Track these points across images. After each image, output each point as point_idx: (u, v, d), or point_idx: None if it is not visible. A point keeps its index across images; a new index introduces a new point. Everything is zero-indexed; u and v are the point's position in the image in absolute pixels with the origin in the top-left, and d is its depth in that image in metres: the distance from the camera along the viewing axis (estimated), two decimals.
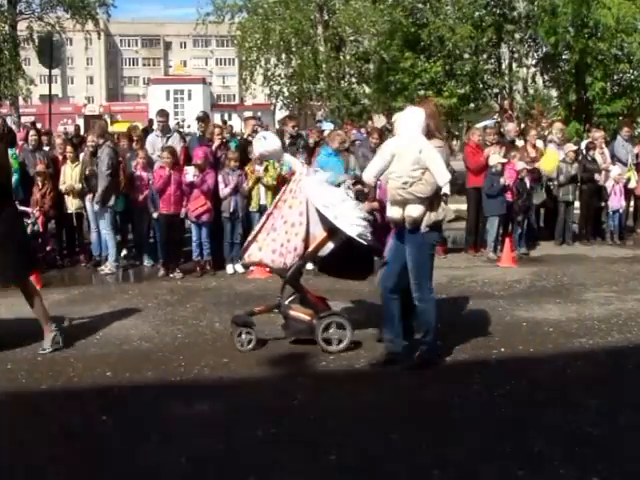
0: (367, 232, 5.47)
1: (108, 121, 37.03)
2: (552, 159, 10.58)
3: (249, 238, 5.96)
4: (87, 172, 9.11)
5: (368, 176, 5.34)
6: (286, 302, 5.81)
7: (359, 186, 5.81)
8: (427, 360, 5.29)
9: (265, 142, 6.02)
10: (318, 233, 5.60)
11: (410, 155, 4.98)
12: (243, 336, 5.70)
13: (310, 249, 5.63)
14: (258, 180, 8.98)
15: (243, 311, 6.09)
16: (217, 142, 9.74)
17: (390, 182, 5.14)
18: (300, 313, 5.74)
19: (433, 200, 5.09)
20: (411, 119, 5.14)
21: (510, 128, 11.41)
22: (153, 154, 9.49)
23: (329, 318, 5.64)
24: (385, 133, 10.79)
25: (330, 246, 5.65)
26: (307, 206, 5.58)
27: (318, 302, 5.86)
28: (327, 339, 5.59)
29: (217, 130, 10.07)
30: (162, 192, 8.75)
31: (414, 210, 5.02)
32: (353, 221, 5.44)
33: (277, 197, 6.02)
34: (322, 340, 5.58)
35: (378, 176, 5.31)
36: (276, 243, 5.63)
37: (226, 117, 46.08)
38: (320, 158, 8.92)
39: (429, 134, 5.17)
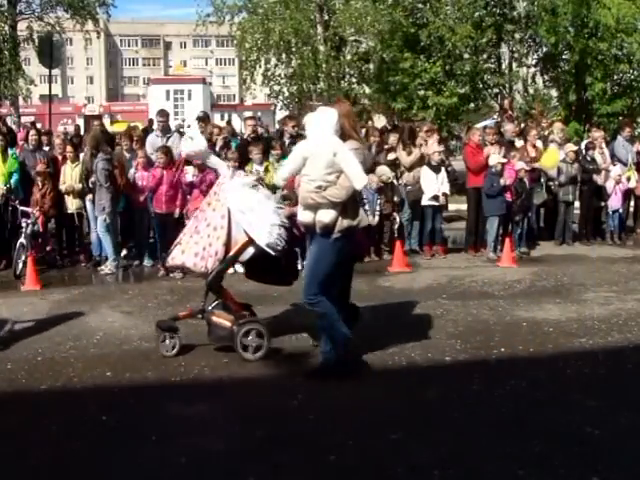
0: (279, 242, 5.33)
1: (107, 122, 37.06)
2: (553, 155, 10.56)
3: (175, 241, 5.83)
4: (90, 184, 9.14)
5: (278, 179, 5.20)
6: (209, 307, 5.69)
7: (285, 192, 5.67)
8: (324, 371, 5.05)
9: (191, 143, 5.96)
10: (240, 237, 5.49)
11: (324, 158, 4.77)
12: (167, 341, 5.57)
13: (231, 253, 5.52)
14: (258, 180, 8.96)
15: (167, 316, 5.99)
16: (220, 142, 9.74)
17: (302, 185, 4.93)
18: (222, 319, 5.58)
19: (347, 205, 4.88)
20: (323, 120, 4.89)
21: (508, 128, 11.39)
22: (153, 154, 9.49)
23: (247, 325, 5.49)
24: (385, 133, 10.80)
25: (251, 251, 5.53)
26: (229, 210, 5.48)
27: (239, 308, 5.74)
28: (245, 346, 5.45)
29: (216, 130, 10.08)
30: (155, 191, 8.91)
31: (325, 215, 4.82)
32: (266, 230, 5.32)
33: (204, 200, 5.91)
34: (240, 347, 5.44)
35: (289, 178, 5.16)
36: (198, 246, 5.51)
37: (226, 117, 46.07)
38: None
39: (344, 135, 4.95)
